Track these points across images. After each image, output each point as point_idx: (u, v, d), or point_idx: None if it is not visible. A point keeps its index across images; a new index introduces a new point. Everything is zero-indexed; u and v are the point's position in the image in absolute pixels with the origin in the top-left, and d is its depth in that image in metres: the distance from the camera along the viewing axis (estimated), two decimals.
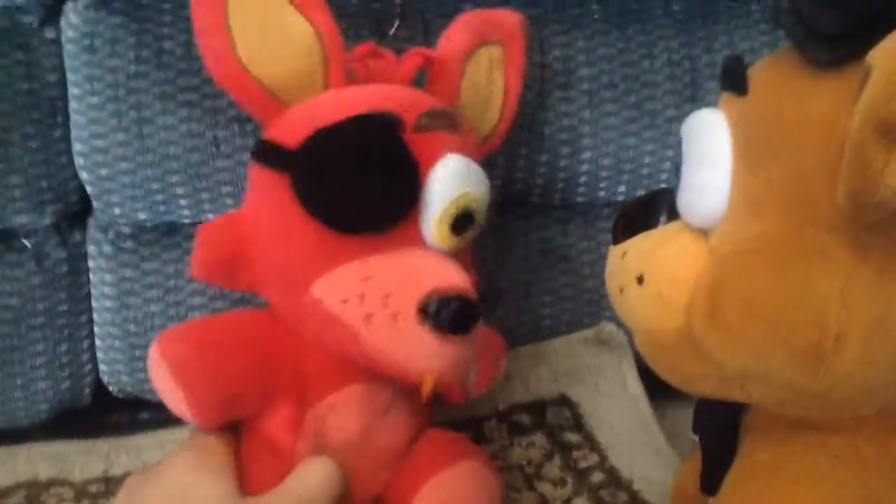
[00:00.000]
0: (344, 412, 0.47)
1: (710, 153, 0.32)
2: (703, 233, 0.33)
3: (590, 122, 0.65)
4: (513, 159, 0.65)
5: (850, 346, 0.28)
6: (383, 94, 0.47)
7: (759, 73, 0.32)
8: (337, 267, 0.43)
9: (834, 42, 0.27)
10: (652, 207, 0.36)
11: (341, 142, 0.43)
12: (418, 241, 0.45)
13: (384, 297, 0.41)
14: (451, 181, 0.45)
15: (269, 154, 0.46)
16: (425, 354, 0.41)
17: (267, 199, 0.46)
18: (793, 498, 0.31)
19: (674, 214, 0.36)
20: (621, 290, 0.36)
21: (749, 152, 0.31)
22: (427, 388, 0.42)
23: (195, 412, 0.45)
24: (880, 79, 0.24)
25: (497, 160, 0.65)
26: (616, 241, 0.38)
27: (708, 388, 0.34)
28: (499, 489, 0.50)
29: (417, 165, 0.44)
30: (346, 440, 0.47)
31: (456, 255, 0.46)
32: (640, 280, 0.34)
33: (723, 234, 0.32)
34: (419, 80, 0.51)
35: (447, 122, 0.46)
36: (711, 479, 0.38)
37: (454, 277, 0.42)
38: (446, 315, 0.40)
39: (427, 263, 0.43)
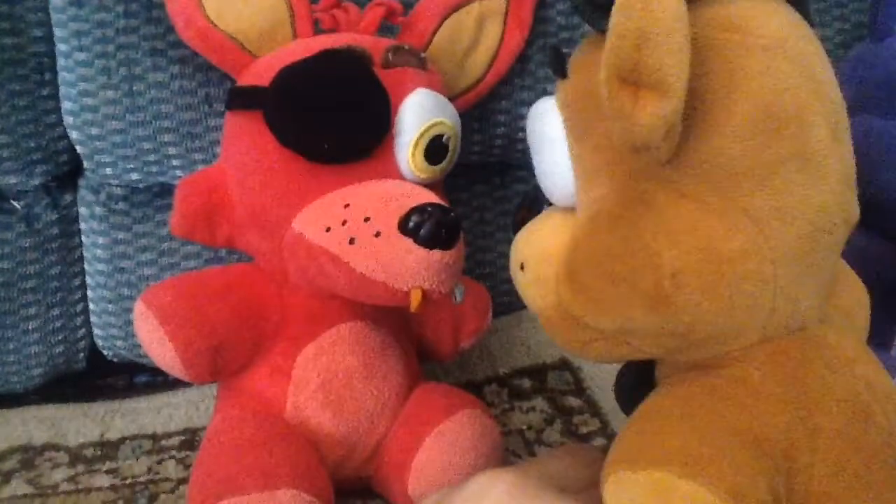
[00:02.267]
0: (339, 351, 0.48)
1: (546, 136, 0.35)
2: (571, 211, 0.35)
3: None
4: (515, 118, 0.64)
5: (687, 280, 0.30)
6: (349, 37, 0.48)
7: (578, 54, 0.34)
8: (316, 200, 0.45)
9: (608, 10, 0.29)
10: (539, 197, 0.38)
11: (310, 72, 0.45)
12: (395, 174, 0.46)
13: (365, 219, 0.42)
14: (422, 111, 0.46)
15: (241, 98, 0.47)
16: (410, 269, 0.41)
17: (244, 143, 0.47)
18: (664, 432, 0.32)
19: None
20: (515, 279, 0.38)
21: (576, 127, 0.33)
22: (415, 302, 0.42)
23: (185, 361, 0.45)
24: (611, 33, 0.28)
25: (498, 119, 0.64)
26: (515, 231, 0.40)
27: (600, 352, 0.35)
28: (498, 435, 0.51)
29: (386, 93, 0.45)
30: (347, 379, 0.48)
31: (431, 187, 0.47)
32: (522, 266, 0.36)
33: (578, 206, 0.34)
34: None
35: (414, 60, 0.48)
36: None
37: (432, 197, 0.43)
38: (428, 227, 0.41)
39: (404, 188, 0.44)
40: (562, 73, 0.34)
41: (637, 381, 0.39)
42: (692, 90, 0.28)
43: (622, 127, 0.29)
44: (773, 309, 0.32)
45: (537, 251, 0.36)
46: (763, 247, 0.30)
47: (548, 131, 0.35)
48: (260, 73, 0.47)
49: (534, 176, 0.67)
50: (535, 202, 0.38)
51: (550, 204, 0.37)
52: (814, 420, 0.32)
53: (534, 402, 0.63)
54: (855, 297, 0.38)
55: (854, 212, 0.33)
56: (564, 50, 0.35)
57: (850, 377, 0.33)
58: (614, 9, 0.28)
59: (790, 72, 0.30)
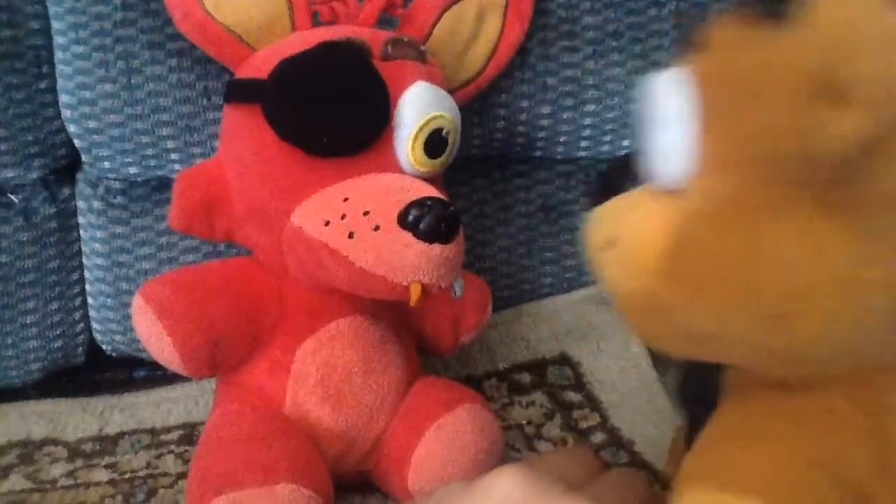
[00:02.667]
0: (338, 345, 0.48)
1: (670, 113, 0.32)
2: (674, 194, 0.33)
3: (594, 73, 0.63)
4: (514, 112, 0.63)
5: (814, 303, 0.28)
6: (348, 30, 0.48)
7: (719, 29, 0.31)
8: (315, 193, 0.44)
9: None
10: (629, 169, 0.36)
11: (309, 65, 0.44)
12: (394, 167, 0.46)
13: (364, 213, 0.42)
14: (421, 104, 0.45)
15: (239, 90, 0.47)
16: (409, 263, 0.41)
17: (242, 137, 0.46)
18: (746, 456, 0.31)
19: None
20: (596, 254, 0.36)
21: (710, 110, 0.31)
22: (415, 296, 0.41)
23: (183, 356, 0.45)
24: (822, 37, 0.26)
25: (498, 113, 0.63)
26: (595, 204, 0.38)
27: (677, 348, 0.34)
28: (498, 429, 0.51)
29: (385, 86, 0.45)
30: (346, 374, 0.48)
31: (431, 181, 0.46)
32: (611, 243, 0.34)
33: (690, 193, 0.32)
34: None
35: (413, 53, 0.47)
36: (693, 438, 0.38)
37: (432, 191, 0.43)
38: (427, 221, 0.40)
39: (404, 182, 0.44)
40: (698, 45, 0.31)
41: (704, 385, 0.37)
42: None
43: (806, 139, 0.26)
44: (878, 342, 0.30)
45: (631, 230, 0.33)
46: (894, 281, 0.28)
47: (673, 108, 0.31)
48: (258, 66, 0.46)
49: (535, 169, 0.68)
50: (627, 174, 0.36)
51: (642, 181, 0.34)
52: (888, 458, 0.31)
53: (533, 397, 0.63)
54: None
55: None
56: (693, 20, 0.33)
57: None
58: (820, 4, 0.26)
59: None
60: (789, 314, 0.28)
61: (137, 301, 0.46)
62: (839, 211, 0.28)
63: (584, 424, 0.60)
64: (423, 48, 0.49)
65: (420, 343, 0.55)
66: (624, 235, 0.34)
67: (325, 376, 0.48)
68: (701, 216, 0.31)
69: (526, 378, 0.65)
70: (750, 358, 0.32)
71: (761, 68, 0.28)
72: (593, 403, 0.62)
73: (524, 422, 0.60)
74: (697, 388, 0.38)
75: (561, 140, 0.65)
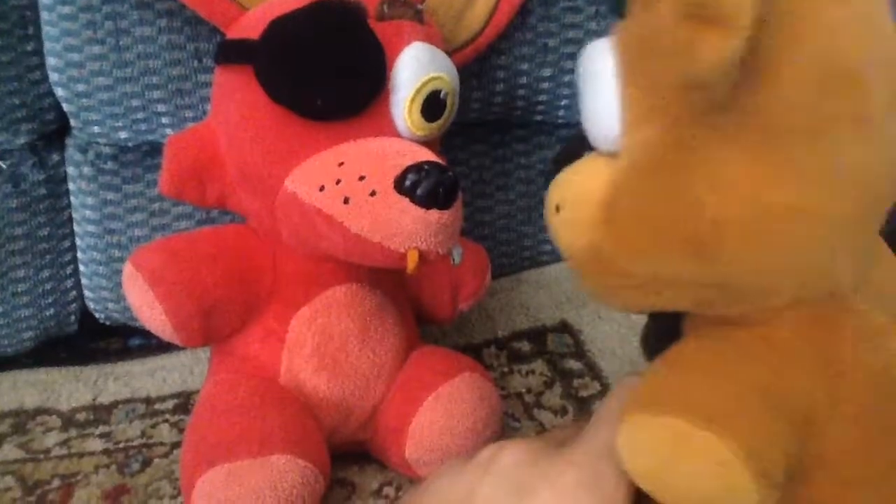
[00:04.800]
0: (334, 314, 0.47)
1: (596, 77, 0.33)
2: (613, 155, 0.34)
3: (597, 33, 0.61)
4: (514, 75, 0.62)
5: (728, 230, 0.30)
6: None
7: None
8: (309, 158, 0.43)
9: None
10: (582, 140, 0.37)
11: (301, 25, 0.43)
12: (391, 131, 0.45)
13: (360, 178, 0.41)
14: (418, 65, 0.44)
15: (231, 51, 0.46)
16: (406, 229, 0.40)
17: (235, 99, 0.45)
18: (687, 382, 0.32)
19: None
20: (550, 221, 0.38)
21: (628, 69, 0.32)
22: (412, 263, 0.41)
23: (175, 325, 0.44)
24: None
25: (498, 76, 0.62)
26: (553, 174, 0.39)
27: (628, 300, 0.35)
28: (497, 398, 0.51)
29: (381, 47, 0.43)
30: (342, 343, 0.47)
31: (428, 145, 0.45)
32: (557, 208, 0.36)
33: (622, 150, 0.33)
34: None
35: (411, 13, 0.46)
36: None
37: (429, 155, 0.42)
38: (425, 186, 0.39)
39: (401, 146, 0.43)
40: (618, 11, 0.33)
41: (663, 335, 0.38)
42: (754, 33, 0.27)
43: (680, 62, 0.28)
44: (812, 270, 0.31)
45: (574, 193, 0.35)
46: (809, 205, 0.29)
47: (598, 72, 0.33)
48: (250, 26, 0.45)
49: (535, 134, 0.66)
50: (580, 145, 0.37)
51: (592, 151, 0.36)
52: (838, 388, 0.31)
53: (533, 365, 0.62)
54: (889, 273, 0.37)
55: None
56: None
57: (884, 350, 0.33)
58: None
59: (858, 29, 0.29)
60: (708, 243, 0.30)
61: (128, 269, 0.45)
62: (740, 138, 0.29)
63: (584, 393, 0.59)
64: (420, 8, 0.47)
65: (418, 311, 0.54)
66: (566, 199, 0.36)
67: (321, 345, 0.47)
68: (628, 167, 0.32)
69: (526, 346, 0.65)
70: (691, 298, 0.33)
71: (655, 12, 0.29)
72: (594, 371, 0.62)
73: (524, 390, 0.60)
74: (660, 338, 0.39)
75: (562, 104, 0.64)
